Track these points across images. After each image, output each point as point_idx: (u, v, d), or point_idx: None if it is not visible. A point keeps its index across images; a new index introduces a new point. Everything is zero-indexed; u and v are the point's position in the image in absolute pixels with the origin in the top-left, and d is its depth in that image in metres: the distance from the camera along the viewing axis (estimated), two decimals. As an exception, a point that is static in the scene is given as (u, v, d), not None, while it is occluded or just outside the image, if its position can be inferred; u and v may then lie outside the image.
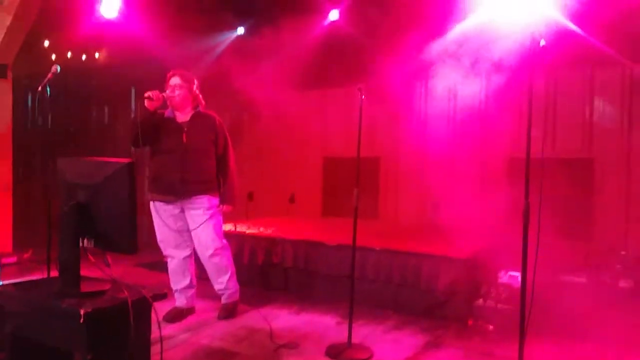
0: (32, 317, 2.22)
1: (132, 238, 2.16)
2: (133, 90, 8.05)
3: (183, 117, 3.74)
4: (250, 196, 5.75)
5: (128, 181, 2.13)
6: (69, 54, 7.64)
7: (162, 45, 6.08)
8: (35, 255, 5.30)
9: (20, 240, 5.52)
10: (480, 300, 3.95)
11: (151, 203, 3.77)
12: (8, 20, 5.18)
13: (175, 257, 3.82)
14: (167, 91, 3.65)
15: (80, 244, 2.18)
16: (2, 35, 5.25)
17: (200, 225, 3.68)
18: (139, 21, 5.71)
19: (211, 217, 3.71)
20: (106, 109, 8.42)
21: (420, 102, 6.19)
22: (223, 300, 3.95)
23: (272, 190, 6.66)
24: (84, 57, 7.84)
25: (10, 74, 5.55)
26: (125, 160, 2.16)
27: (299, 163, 6.74)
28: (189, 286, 3.87)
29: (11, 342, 2.24)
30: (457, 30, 4.76)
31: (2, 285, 2.37)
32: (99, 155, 2.48)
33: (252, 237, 4.84)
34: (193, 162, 3.67)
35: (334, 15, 5.89)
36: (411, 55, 5.37)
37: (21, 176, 5.78)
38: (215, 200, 3.79)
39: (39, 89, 4.38)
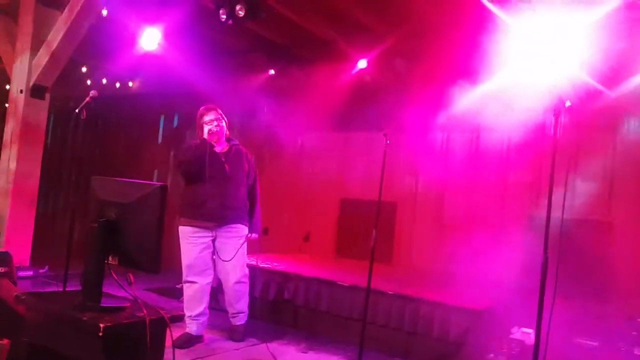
0: (51, 327, 2.27)
1: (157, 259, 2.23)
2: (162, 119, 8.31)
3: (222, 148, 3.98)
4: (265, 231, 5.82)
5: (159, 204, 2.22)
6: (104, 81, 7.96)
7: (195, 80, 6.31)
8: (51, 271, 5.37)
9: (37, 256, 5.62)
10: (492, 355, 3.89)
11: (182, 228, 3.90)
12: (54, 46, 5.44)
13: (197, 282, 3.89)
14: (207, 126, 3.86)
15: (105, 260, 2.26)
16: (46, 60, 5.51)
17: (236, 253, 3.87)
18: (175, 55, 5.96)
19: (242, 245, 3.94)
20: (133, 135, 8.66)
21: (441, 152, 6.27)
22: (235, 322, 4.09)
23: (288, 228, 6.71)
24: (117, 84, 8.15)
25: (48, 96, 5.79)
26: (159, 184, 2.25)
27: (316, 202, 6.81)
28: (203, 314, 3.93)
29: (28, 350, 2.29)
30: (483, 87, 4.88)
31: (22, 294, 2.43)
32: (124, 178, 2.58)
33: (265, 271, 4.87)
34: (231, 190, 3.90)
35: (362, 63, 6.07)
36: (434, 106, 5.50)
37: (46, 193, 5.93)
38: (246, 229, 4.02)
39: (77, 111, 4.60)
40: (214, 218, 3.83)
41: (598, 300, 4.98)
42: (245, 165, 4.04)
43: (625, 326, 4.38)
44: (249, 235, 4.05)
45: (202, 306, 3.91)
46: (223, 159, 3.92)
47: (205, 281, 3.92)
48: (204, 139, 3.82)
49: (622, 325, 4.42)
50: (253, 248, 4.39)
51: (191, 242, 3.86)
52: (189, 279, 3.91)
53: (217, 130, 3.87)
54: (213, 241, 3.92)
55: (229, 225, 3.90)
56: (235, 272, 3.97)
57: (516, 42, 4.15)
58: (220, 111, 3.96)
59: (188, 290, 3.93)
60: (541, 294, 2.41)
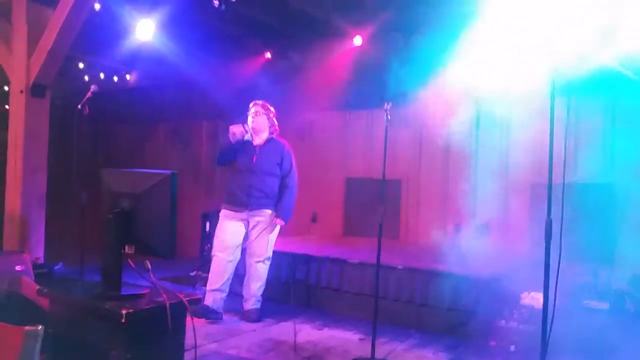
0: (74, 317, 2.34)
1: (172, 244, 2.29)
2: (163, 111, 8.33)
3: (259, 141, 4.32)
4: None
5: (170, 191, 2.27)
6: (102, 76, 7.97)
7: (193, 68, 6.32)
8: (66, 267, 5.46)
9: (51, 253, 5.70)
10: (503, 321, 3.96)
11: (222, 210, 4.31)
12: (49, 44, 5.45)
13: (218, 256, 4.22)
14: (249, 119, 4.28)
15: (122, 250, 2.32)
16: (43, 58, 5.52)
17: (259, 234, 4.19)
18: (172, 45, 5.96)
19: (269, 228, 4.24)
20: (136, 128, 8.70)
21: (443, 127, 6.28)
22: (249, 306, 4.26)
23: (295, 210, 6.77)
24: (115, 78, 8.16)
25: (48, 94, 5.81)
26: (169, 171, 2.30)
27: (321, 183, 6.86)
28: (220, 289, 4.19)
29: (53, 341, 2.36)
30: (481, 58, 4.86)
31: (44, 288, 2.49)
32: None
33: (276, 253, 4.94)
34: (258, 179, 4.22)
35: (357, 40, 6.06)
36: (434, 81, 5.49)
37: (55, 190, 5.99)
38: (273, 215, 4.27)
39: (79, 106, 4.63)
40: (240, 204, 4.22)
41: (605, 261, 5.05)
42: (278, 158, 4.31)
43: (633, 287, 4.45)
44: (275, 219, 4.27)
45: (221, 282, 4.17)
46: (255, 151, 4.25)
47: (226, 258, 4.19)
48: (229, 140, 4.16)
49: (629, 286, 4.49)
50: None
51: (223, 222, 4.26)
52: (213, 253, 4.27)
53: (252, 123, 4.26)
54: (246, 225, 4.26)
55: (255, 211, 4.22)
56: (256, 251, 4.24)
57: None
58: (265, 106, 4.32)
59: (212, 264, 4.28)
60: (546, 256, 2.47)
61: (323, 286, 4.70)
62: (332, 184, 6.88)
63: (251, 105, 4.37)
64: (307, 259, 4.82)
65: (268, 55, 6.75)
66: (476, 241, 4.88)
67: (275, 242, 4.40)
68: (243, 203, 4.21)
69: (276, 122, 4.41)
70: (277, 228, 4.32)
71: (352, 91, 6.31)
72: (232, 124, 4.32)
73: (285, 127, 7.09)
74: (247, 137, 4.27)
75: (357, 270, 4.49)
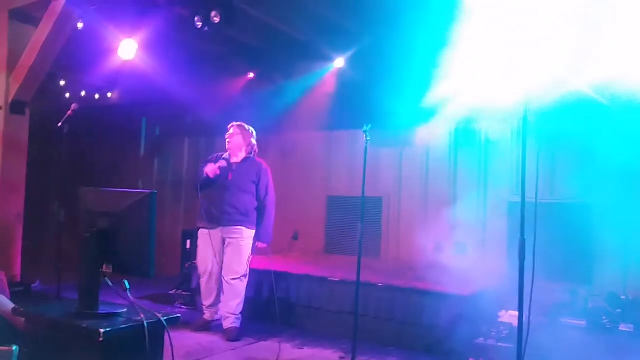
0: (51, 336, 2.31)
1: (150, 263, 2.30)
2: (144, 129, 8.32)
3: (236, 160, 4.46)
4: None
5: (149, 210, 2.28)
6: (83, 93, 7.94)
7: (175, 88, 6.35)
8: (43, 285, 5.37)
9: (27, 271, 5.61)
10: (481, 339, 4.00)
11: (200, 230, 4.44)
12: (30, 61, 5.44)
13: (204, 277, 4.42)
14: (227, 138, 4.47)
15: (100, 269, 2.31)
16: (24, 75, 5.50)
17: (234, 252, 4.27)
18: (154, 64, 5.99)
19: (243, 245, 4.31)
20: (116, 145, 8.65)
21: (423, 146, 6.38)
22: (228, 324, 4.28)
23: (276, 227, 6.76)
24: (97, 96, 8.14)
25: (28, 111, 5.78)
26: (148, 191, 2.31)
27: (303, 201, 6.88)
28: (213, 304, 4.44)
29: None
30: (458, 79, 4.98)
31: (20, 307, 2.47)
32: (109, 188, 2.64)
33: (257, 271, 4.93)
34: (236, 197, 4.32)
35: (339, 62, 6.16)
36: (413, 101, 5.60)
37: (32, 208, 5.92)
38: (250, 233, 4.37)
39: (59, 124, 4.62)
40: (214, 221, 4.32)
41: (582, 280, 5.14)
42: (254, 176, 4.42)
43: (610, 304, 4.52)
44: (257, 243, 4.41)
45: (212, 298, 4.43)
46: (232, 169, 4.38)
47: (208, 277, 4.40)
48: (207, 176, 4.28)
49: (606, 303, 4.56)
50: (260, 251, 4.57)
51: (200, 241, 4.42)
52: (201, 273, 4.47)
53: (228, 143, 4.46)
54: (222, 242, 4.36)
55: (228, 227, 4.30)
56: (230, 268, 4.28)
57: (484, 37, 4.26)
58: (242, 128, 4.48)
59: (201, 283, 4.50)
60: (521, 274, 2.52)
61: (303, 304, 4.70)
62: (314, 202, 6.91)
63: (229, 126, 4.53)
64: (288, 276, 4.82)
65: (251, 75, 6.81)
66: (455, 259, 4.94)
67: (256, 259, 4.44)
68: (217, 220, 4.31)
69: (254, 143, 4.53)
70: (250, 244, 4.38)
71: (335, 112, 6.39)
72: (214, 141, 4.45)
73: (268, 146, 7.18)
74: (225, 155, 4.44)
75: (338, 288, 4.50)
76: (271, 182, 4.52)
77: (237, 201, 4.32)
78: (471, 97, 4.80)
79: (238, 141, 4.45)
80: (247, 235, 4.33)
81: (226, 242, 4.34)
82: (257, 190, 4.42)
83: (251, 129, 4.55)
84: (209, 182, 4.33)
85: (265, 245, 4.43)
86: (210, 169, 4.29)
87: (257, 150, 4.56)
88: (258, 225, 4.40)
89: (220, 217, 4.29)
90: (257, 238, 4.39)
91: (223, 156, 4.45)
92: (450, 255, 5.19)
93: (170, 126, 8.09)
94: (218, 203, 4.31)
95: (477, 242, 5.35)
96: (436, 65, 4.97)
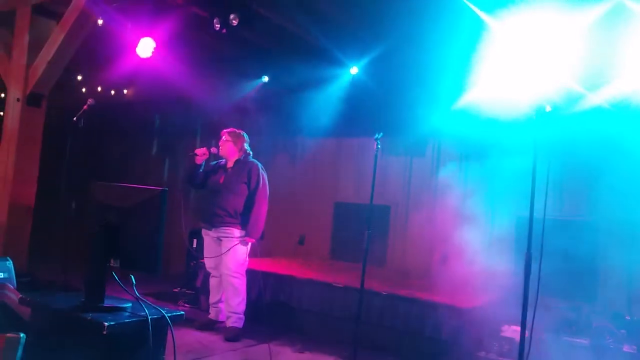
0: (56, 327, 2.35)
1: (157, 261, 2.33)
2: (156, 126, 8.40)
3: (230, 163, 4.61)
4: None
5: (159, 208, 2.31)
6: (99, 89, 8.03)
7: (190, 87, 6.40)
8: (50, 276, 5.42)
9: (35, 262, 5.67)
10: (483, 352, 3.99)
11: (202, 230, 4.61)
12: (50, 55, 5.52)
13: (213, 275, 4.56)
14: (220, 145, 4.60)
15: (107, 263, 2.34)
16: (42, 69, 5.59)
17: (227, 250, 4.35)
18: (170, 63, 6.05)
19: (237, 245, 4.38)
20: (129, 142, 8.73)
21: (432, 157, 6.38)
22: (230, 323, 4.33)
23: (283, 231, 6.80)
24: (112, 92, 8.22)
25: (44, 104, 5.86)
26: (159, 188, 2.34)
27: (310, 206, 6.90)
28: (219, 301, 4.53)
29: (33, 351, 2.36)
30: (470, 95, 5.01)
31: (27, 297, 2.50)
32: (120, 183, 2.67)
33: (261, 274, 4.95)
34: (226, 199, 4.43)
35: (354, 70, 6.18)
36: (424, 111, 5.61)
37: (44, 200, 5.99)
38: (242, 233, 4.45)
39: (74, 119, 4.69)
40: (208, 222, 4.50)
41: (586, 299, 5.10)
42: (245, 177, 4.50)
43: (614, 324, 4.49)
44: (245, 238, 4.43)
45: (218, 296, 4.54)
46: (225, 172, 4.54)
47: (214, 274, 4.54)
48: (193, 162, 4.50)
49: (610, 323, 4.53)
50: (253, 252, 4.61)
51: (204, 240, 4.58)
52: (208, 271, 4.61)
53: (220, 148, 4.59)
54: (221, 240, 4.46)
55: (219, 228, 4.44)
56: (227, 266, 4.37)
57: (501, 46, 4.27)
58: (234, 133, 4.62)
59: (210, 280, 4.61)
60: (525, 290, 2.52)
61: (305, 309, 4.71)
62: (322, 207, 6.92)
63: (221, 133, 4.69)
64: (292, 280, 4.83)
65: (265, 78, 6.86)
66: (461, 271, 4.93)
67: (260, 262, 4.49)
68: (209, 221, 4.48)
69: (247, 147, 4.64)
70: (244, 243, 4.44)
71: (346, 119, 6.41)
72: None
73: (277, 150, 7.22)
74: (212, 156, 4.61)
75: (342, 294, 4.50)
76: (262, 180, 4.55)
77: (227, 203, 4.42)
78: (484, 109, 4.82)
79: (228, 147, 4.59)
80: (237, 234, 4.42)
81: (221, 242, 4.46)
82: (248, 188, 4.50)
83: (243, 133, 4.67)
84: (195, 172, 4.52)
85: (253, 241, 4.46)
86: (201, 151, 4.46)
87: (250, 153, 4.66)
88: (246, 222, 4.45)
89: (212, 219, 4.45)
90: (246, 233, 4.44)
91: (220, 163, 4.66)
92: (456, 267, 5.18)
93: (182, 125, 8.15)
94: (210, 205, 4.47)
95: (484, 255, 5.33)
96: (449, 77, 4.99)
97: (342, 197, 6.83)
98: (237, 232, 4.42)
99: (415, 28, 4.99)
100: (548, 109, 2.59)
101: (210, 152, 4.52)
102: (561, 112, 3.87)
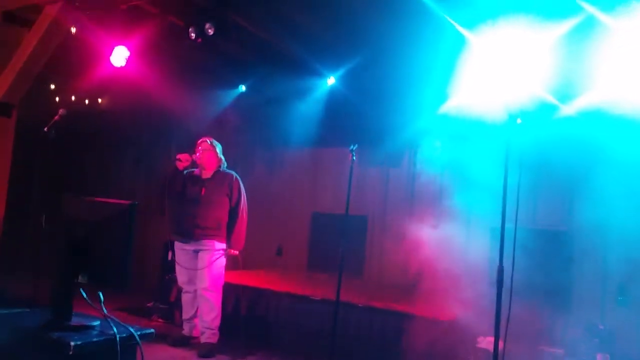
0: (20, 347, 2.26)
1: (127, 276, 2.27)
2: (132, 137, 8.27)
3: (207, 174, 4.49)
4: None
5: (129, 222, 2.26)
6: (73, 98, 7.89)
7: (165, 97, 6.33)
8: (18, 292, 5.26)
9: (3, 277, 5.50)
10: (459, 364, 4.00)
11: (175, 243, 4.48)
12: (20, 63, 5.41)
13: (187, 289, 4.44)
14: (197, 153, 4.41)
15: (75, 279, 2.27)
16: (13, 77, 5.46)
17: (206, 264, 4.26)
18: (145, 72, 5.98)
19: (216, 258, 4.30)
20: (104, 153, 8.58)
21: (408, 167, 6.42)
22: (203, 339, 4.26)
23: (260, 243, 6.73)
24: (87, 101, 8.09)
25: (15, 114, 5.73)
26: (127, 202, 2.29)
27: (287, 217, 6.86)
28: (193, 316, 4.44)
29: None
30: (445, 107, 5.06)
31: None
32: (92, 196, 2.61)
33: (237, 287, 4.89)
34: (207, 211, 4.34)
35: (331, 80, 6.20)
36: (401, 123, 5.65)
37: (13, 214, 5.83)
38: (222, 245, 4.39)
39: (45, 129, 4.58)
40: (186, 235, 4.36)
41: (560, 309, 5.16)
42: (227, 189, 4.43)
43: (587, 333, 4.54)
44: (228, 250, 4.40)
45: (192, 312, 4.44)
46: (204, 184, 4.41)
47: (189, 289, 4.43)
48: (176, 168, 4.35)
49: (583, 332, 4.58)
50: (234, 264, 4.56)
51: (177, 255, 4.45)
52: (180, 286, 4.51)
53: (201, 157, 4.41)
54: (197, 254, 4.38)
55: (200, 241, 4.33)
56: (204, 279, 4.28)
57: (477, 59, 4.33)
58: (214, 142, 4.51)
59: (182, 297, 4.51)
60: (498, 301, 2.53)
61: (282, 322, 4.65)
62: (299, 218, 6.89)
63: (199, 141, 4.54)
64: (268, 293, 4.78)
65: (242, 88, 6.83)
66: (437, 282, 4.94)
67: (236, 275, 4.42)
68: (189, 234, 4.35)
69: (223, 157, 4.57)
70: (222, 257, 4.39)
71: (324, 129, 6.41)
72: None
73: (255, 160, 7.17)
74: (191, 163, 4.43)
75: (318, 307, 4.47)
76: (243, 192, 4.54)
77: (209, 215, 4.34)
78: (460, 120, 4.87)
79: (210, 157, 4.48)
80: (218, 247, 4.35)
81: (198, 256, 4.36)
82: (229, 200, 4.45)
83: (219, 143, 4.60)
84: (178, 184, 4.39)
85: (236, 253, 4.45)
86: (184, 156, 4.31)
87: (226, 164, 4.61)
88: (230, 234, 4.41)
89: (192, 232, 4.32)
90: (228, 245, 4.40)
91: (194, 173, 4.51)
92: (433, 278, 5.19)
93: (158, 135, 8.05)
94: (190, 217, 4.34)
95: (459, 266, 5.35)
96: (426, 88, 5.04)
97: (320, 207, 6.81)
98: (218, 245, 4.35)
99: (392, 40, 5.03)
100: (519, 121, 2.62)
101: (191, 159, 4.41)
102: (534, 122, 3.93)
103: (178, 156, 4.34)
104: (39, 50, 5.38)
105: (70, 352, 2.00)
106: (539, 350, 4.25)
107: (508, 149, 2.71)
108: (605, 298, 5.14)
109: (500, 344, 2.76)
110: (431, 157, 5.94)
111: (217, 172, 4.50)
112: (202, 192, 4.39)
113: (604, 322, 4.77)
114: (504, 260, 2.66)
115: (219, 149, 4.55)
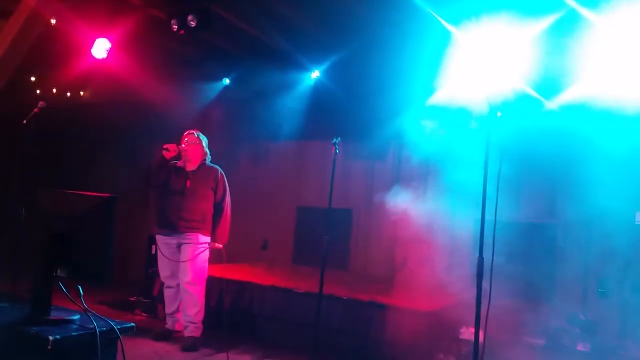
0: (-2, 342, 2.23)
1: (107, 270, 2.25)
2: (115, 130, 8.18)
3: (192, 167, 4.43)
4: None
5: (109, 215, 2.24)
6: (54, 90, 7.77)
7: (148, 89, 6.26)
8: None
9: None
10: (442, 355, 4.03)
11: (157, 236, 4.42)
12: (-1, 54, 5.31)
13: (167, 284, 4.41)
14: (183, 145, 4.37)
15: (54, 273, 2.24)
16: (-9, 69, 5.36)
17: (189, 256, 4.23)
18: (127, 64, 5.90)
19: (200, 252, 4.28)
20: (85, 146, 8.47)
21: (393, 161, 6.43)
22: (186, 333, 4.24)
23: (245, 236, 6.71)
24: (68, 94, 7.97)
25: (-7, 106, 5.63)
26: (107, 195, 2.27)
27: (272, 210, 6.85)
28: (177, 310, 4.41)
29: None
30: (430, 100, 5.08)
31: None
32: (74, 190, 2.57)
33: (222, 280, 4.87)
34: (191, 204, 4.31)
35: (315, 74, 6.18)
36: (386, 116, 5.65)
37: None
38: (206, 238, 4.36)
39: (25, 122, 4.50)
40: (171, 227, 4.30)
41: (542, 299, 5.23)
42: (212, 183, 4.41)
43: (569, 324, 4.61)
44: (213, 244, 4.38)
45: (174, 306, 4.41)
46: (189, 176, 4.36)
47: (171, 284, 4.39)
48: (163, 157, 4.28)
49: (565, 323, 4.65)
50: (218, 258, 4.53)
51: (160, 249, 4.37)
52: (163, 279, 4.45)
53: (187, 150, 4.38)
54: (180, 247, 4.33)
55: (185, 234, 4.29)
56: (187, 273, 4.25)
57: (462, 53, 4.34)
58: (198, 137, 4.47)
59: (165, 291, 4.47)
60: (478, 293, 2.55)
61: (266, 315, 4.66)
62: (284, 211, 6.88)
63: (186, 133, 4.51)
64: (253, 287, 4.77)
65: (226, 81, 6.78)
66: (421, 274, 4.97)
67: (221, 268, 4.41)
68: (173, 226, 4.30)
69: (208, 151, 4.54)
70: (206, 250, 4.38)
71: (309, 122, 6.39)
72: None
73: (239, 153, 7.13)
74: (176, 155, 4.36)
75: (303, 299, 4.47)
76: (227, 187, 4.54)
77: (194, 207, 4.32)
78: (445, 113, 4.90)
79: (197, 150, 4.46)
80: (202, 241, 4.33)
81: (181, 249, 4.33)
82: (214, 194, 4.44)
83: (204, 136, 4.58)
84: (163, 174, 4.33)
85: (221, 246, 4.43)
86: (172, 146, 4.26)
87: (210, 158, 4.57)
88: (214, 228, 4.41)
89: (177, 224, 4.28)
90: (213, 239, 4.40)
91: (177, 165, 4.46)
92: (417, 270, 5.22)
93: (141, 128, 7.96)
94: (175, 209, 4.30)
95: (443, 258, 5.39)
96: (412, 82, 5.05)
97: (305, 201, 6.80)
98: (201, 238, 4.32)
99: (377, 34, 5.03)
100: (499, 114, 2.64)
101: (178, 150, 4.35)
102: (517, 115, 3.97)
103: (165, 146, 4.28)
104: (18, 42, 5.28)
105: (49, 347, 1.98)
106: (521, 340, 4.30)
107: (488, 142, 2.73)
108: (586, 289, 5.22)
109: (481, 335, 2.79)
110: (416, 149, 5.97)
111: (202, 165, 4.46)
112: (188, 185, 4.35)
113: (585, 312, 4.84)
114: (485, 251, 2.69)
115: (205, 142, 4.52)
